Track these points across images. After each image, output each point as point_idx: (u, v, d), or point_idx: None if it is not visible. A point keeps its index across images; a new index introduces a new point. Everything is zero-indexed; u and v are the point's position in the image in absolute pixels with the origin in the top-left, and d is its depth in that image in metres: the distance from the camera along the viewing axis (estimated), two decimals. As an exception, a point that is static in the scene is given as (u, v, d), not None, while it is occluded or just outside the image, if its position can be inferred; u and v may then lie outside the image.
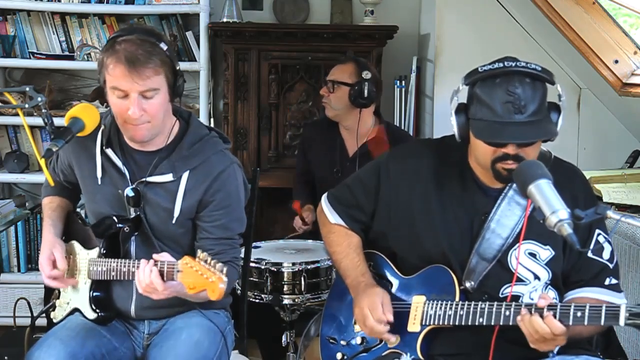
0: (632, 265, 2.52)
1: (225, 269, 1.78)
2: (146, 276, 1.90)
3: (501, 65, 1.78)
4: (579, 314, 1.63)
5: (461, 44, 3.71)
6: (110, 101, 2.03)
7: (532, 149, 1.81)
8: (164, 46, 2.00)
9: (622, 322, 1.57)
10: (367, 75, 3.18)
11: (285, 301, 2.80)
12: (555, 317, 1.66)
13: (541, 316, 1.67)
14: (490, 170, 1.84)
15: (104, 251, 2.10)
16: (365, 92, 3.17)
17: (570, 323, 1.64)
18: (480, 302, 1.79)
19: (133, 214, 2.10)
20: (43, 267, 2.13)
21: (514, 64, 1.77)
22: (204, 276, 1.78)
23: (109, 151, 2.11)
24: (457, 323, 1.82)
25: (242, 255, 2.49)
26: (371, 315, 1.92)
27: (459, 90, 1.87)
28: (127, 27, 2.09)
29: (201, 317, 2.12)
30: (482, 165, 1.87)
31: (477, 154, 1.87)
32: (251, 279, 2.77)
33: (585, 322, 1.62)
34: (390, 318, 1.92)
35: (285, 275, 2.79)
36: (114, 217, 2.09)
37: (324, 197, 2.19)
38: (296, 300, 2.80)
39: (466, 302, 1.82)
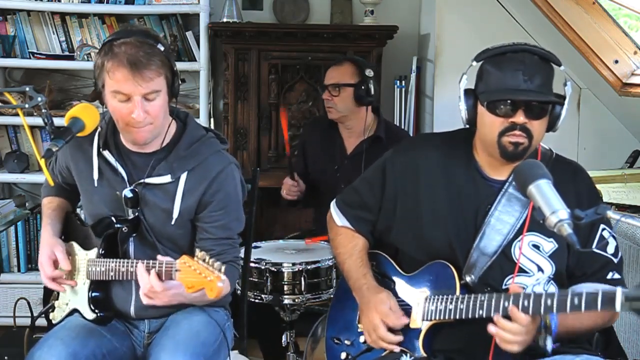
0: (632, 265, 2.52)
1: (223, 268, 1.78)
2: (144, 278, 1.89)
3: (511, 44, 1.87)
4: (576, 300, 1.60)
5: (461, 44, 3.71)
6: (110, 105, 2.01)
7: (539, 124, 1.84)
8: (161, 47, 1.99)
9: (618, 307, 1.53)
10: (370, 73, 3.20)
11: (285, 301, 2.80)
12: (525, 310, 1.66)
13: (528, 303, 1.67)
14: (496, 146, 1.85)
15: (103, 251, 2.09)
16: (372, 89, 3.20)
17: (568, 311, 1.61)
18: (480, 295, 1.79)
19: (131, 215, 2.10)
20: (44, 267, 2.11)
21: (523, 44, 1.87)
22: (202, 275, 1.78)
23: (106, 153, 2.11)
24: (457, 317, 1.82)
25: (242, 255, 2.49)
26: (383, 326, 1.92)
27: (466, 72, 1.91)
28: (123, 30, 2.06)
29: (201, 313, 2.13)
30: (488, 142, 1.88)
31: (483, 129, 1.88)
32: (251, 279, 2.77)
33: (582, 309, 1.59)
34: (406, 320, 1.92)
35: (285, 275, 2.79)
36: (112, 218, 2.09)
37: (332, 203, 2.21)
38: (296, 300, 2.80)
39: (466, 296, 1.81)
